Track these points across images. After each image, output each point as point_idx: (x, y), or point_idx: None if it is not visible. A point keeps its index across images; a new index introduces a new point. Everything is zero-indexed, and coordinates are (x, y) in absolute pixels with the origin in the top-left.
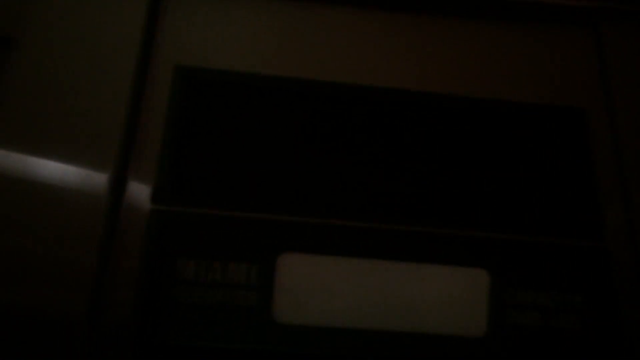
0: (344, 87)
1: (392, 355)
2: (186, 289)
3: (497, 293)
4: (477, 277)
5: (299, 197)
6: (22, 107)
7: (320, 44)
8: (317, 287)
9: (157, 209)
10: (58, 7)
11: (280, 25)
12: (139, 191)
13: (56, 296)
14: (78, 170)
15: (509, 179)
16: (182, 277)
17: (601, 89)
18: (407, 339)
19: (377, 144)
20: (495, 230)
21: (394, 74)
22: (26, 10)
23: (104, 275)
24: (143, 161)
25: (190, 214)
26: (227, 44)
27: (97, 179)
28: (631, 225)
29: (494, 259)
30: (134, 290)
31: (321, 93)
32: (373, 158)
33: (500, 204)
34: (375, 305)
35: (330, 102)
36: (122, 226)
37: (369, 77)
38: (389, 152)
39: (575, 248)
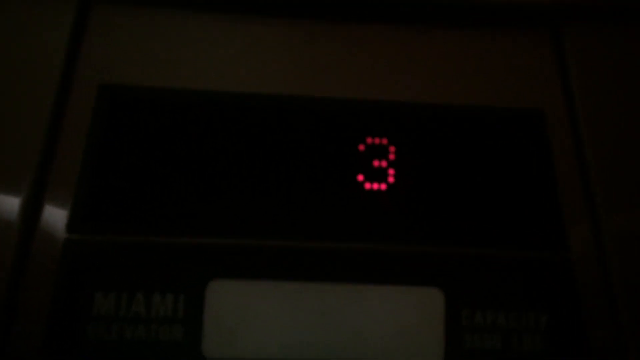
0: (276, 100)
1: None
2: (104, 325)
3: (453, 315)
4: (430, 297)
5: (228, 218)
6: None
7: (250, 56)
8: (251, 316)
9: (72, 238)
10: None
11: (210, 39)
12: (56, 218)
13: None
14: None
15: (464, 187)
16: (100, 312)
17: (561, 91)
18: None
19: (314, 157)
20: (449, 245)
21: (336, 82)
22: None
23: (12, 311)
24: (62, 185)
25: (110, 242)
26: (154, 61)
27: (9, 203)
28: (597, 234)
29: (449, 276)
30: (45, 328)
31: (252, 107)
32: (309, 172)
33: (454, 215)
34: (316, 333)
35: (261, 116)
36: (35, 256)
37: (307, 88)
38: (328, 164)
39: (537, 260)
